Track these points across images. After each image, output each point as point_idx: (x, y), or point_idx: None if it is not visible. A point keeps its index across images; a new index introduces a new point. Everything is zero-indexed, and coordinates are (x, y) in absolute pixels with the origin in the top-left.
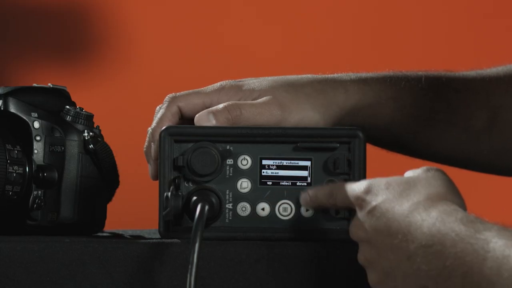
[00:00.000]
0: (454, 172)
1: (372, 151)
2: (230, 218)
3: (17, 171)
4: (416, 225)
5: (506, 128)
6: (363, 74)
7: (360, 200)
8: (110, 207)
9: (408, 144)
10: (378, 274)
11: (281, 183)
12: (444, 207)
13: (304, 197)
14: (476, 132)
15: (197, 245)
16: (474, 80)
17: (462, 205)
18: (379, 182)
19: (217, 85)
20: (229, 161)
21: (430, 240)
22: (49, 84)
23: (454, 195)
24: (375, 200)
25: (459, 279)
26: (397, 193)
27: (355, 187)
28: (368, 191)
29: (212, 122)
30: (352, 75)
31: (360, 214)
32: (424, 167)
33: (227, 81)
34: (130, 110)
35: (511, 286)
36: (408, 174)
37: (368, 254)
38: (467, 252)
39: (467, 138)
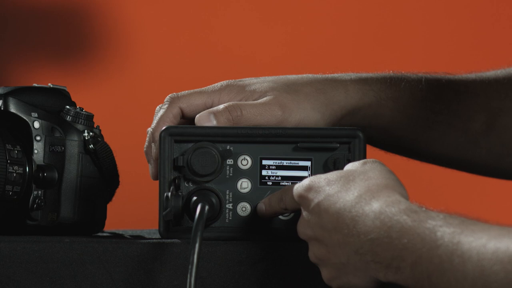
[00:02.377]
0: (454, 175)
1: (372, 151)
2: (230, 218)
3: (17, 171)
4: (360, 219)
5: (505, 131)
6: (363, 74)
7: (304, 199)
8: (110, 207)
9: (407, 145)
10: (330, 271)
11: (281, 183)
12: (385, 198)
13: (260, 207)
14: (475, 135)
15: (197, 245)
16: (473, 83)
17: (403, 193)
18: (319, 179)
19: (218, 85)
20: (229, 161)
21: (376, 232)
22: (49, 84)
23: (394, 184)
24: (317, 197)
25: (408, 269)
26: (337, 189)
27: (298, 187)
28: (309, 189)
29: (213, 122)
30: (352, 75)
31: (305, 213)
32: (362, 160)
33: (228, 81)
34: (130, 110)
35: (462, 272)
36: (348, 167)
37: (318, 252)
38: (414, 242)
39: (466, 140)
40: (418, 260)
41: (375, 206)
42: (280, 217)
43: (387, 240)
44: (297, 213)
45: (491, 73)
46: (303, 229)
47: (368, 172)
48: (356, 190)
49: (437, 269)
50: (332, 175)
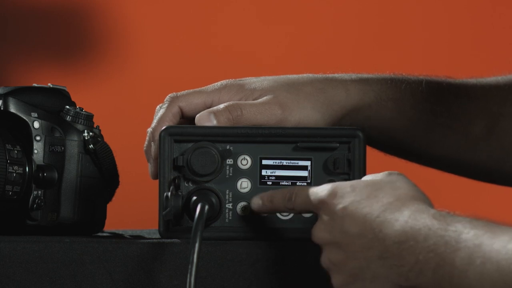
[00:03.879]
0: (453, 179)
1: (372, 151)
2: (230, 218)
3: (17, 171)
4: (389, 224)
5: (506, 136)
6: (364, 75)
7: (325, 204)
8: (110, 207)
9: (407, 147)
10: (344, 276)
11: (281, 183)
12: (416, 206)
13: (255, 201)
14: (475, 139)
15: (197, 245)
16: (474, 87)
17: (431, 205)
18: (343, 186)
19: (218, 84)
20: (229, 161)
21: (403, 236)
22: (49, 84)
23: (421, 196)
24: (342, 202)
25: (430, 273)
26: (364, 195)
27: (318, 191)
28: (333, 194)
29: (213, 122)
30: (353, 75)
31: (325, 217)
32: (386, 172)
33: (228, 80)
34: (130, 110)
35: (481, 273)
36: (371, 177)
37: (334, 257)
38: (439, 244)
39: (466, 144)
40: (440, 263)
41: (404, 212)
42: (280, 217)
43: (413, 243)
44: (296, 213)
45: (492, 79)
46: (320, 233)
47: (396, 182)
48: (385, 198)
49: (458, 271)
50: (357, 182)
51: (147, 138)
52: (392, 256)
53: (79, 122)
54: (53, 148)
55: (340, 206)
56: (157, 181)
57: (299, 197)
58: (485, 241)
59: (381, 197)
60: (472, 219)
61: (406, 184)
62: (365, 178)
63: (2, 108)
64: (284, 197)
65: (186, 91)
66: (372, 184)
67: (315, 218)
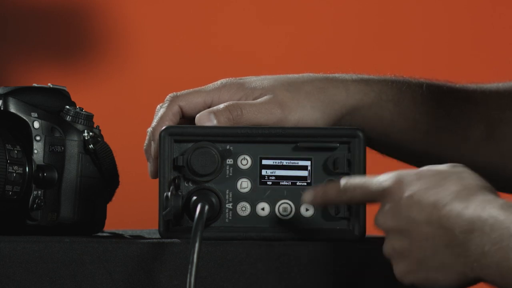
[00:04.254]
0: None
1: (370, 155)
2: (230, 218)
3: (17, 171)
4: (457, 212)
5: (505, 140)
6: (365, 76)
7: (390, 193)
8: (110, 207)
9: (406, 149)
10: (408, 264)
11: (281, 183)
12: (484, 195)
13: (308, 196)
14: (474, 142)
15: (197, 245)
16: (474, 92)
17: (498, 196)
18: (408, 174)
19: (218, 83)
20: (229, 161)
21: (470, 225)
22: (49, 84)
23: (488, 186)
24: (409, 190)
25: (494, 266)
26: (431, 183)
27: (381, 181)
28: (398, 182)
29: (213, 122)
30: (353, 75)
31: (390, 205)
32: (449, 164)
33: (228, 79)
34: (130, 110)
35: None
36: (435, 167)
37: (399, 244)
38: (503, 237)
39: (465, 148)
40: (505, 256)
41: (472, 201)
42: (280, 216)
43: (479, 234)
44: (298, 212)
45: (492, 85)
46: (384, 219)
47: (462, 173)
48: (453, 186)
49: None
50: (423, 171)
51: (147, 137)
52: (459, 245)
53: (79, 122)
54: (53, 148)
55: (406, 193)
56: (157, 181)
57: (358, 189)
58: None
59: (449, 185)
60: None
61: (473, 175)
62: (428, 167)
63: (2, 108)
64: (339, 191)
65: (186, 90)
66: (438, 173)
67: (315, 218)
